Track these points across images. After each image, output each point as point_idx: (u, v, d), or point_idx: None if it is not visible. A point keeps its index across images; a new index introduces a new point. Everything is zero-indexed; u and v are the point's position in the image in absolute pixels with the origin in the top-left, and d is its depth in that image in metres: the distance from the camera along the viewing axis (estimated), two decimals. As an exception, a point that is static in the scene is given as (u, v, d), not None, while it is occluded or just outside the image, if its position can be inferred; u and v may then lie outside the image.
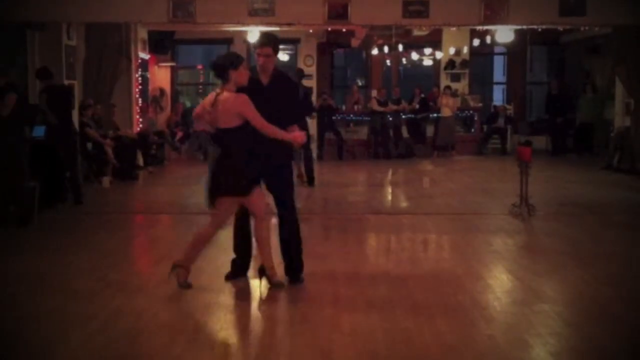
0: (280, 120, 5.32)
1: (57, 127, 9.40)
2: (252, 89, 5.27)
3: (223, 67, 5.27)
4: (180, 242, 7.45)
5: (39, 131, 9.24)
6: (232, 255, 5.80)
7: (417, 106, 16.82)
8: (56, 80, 10.18)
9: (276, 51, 5.48)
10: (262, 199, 5.48)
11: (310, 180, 11.09)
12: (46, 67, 9.99)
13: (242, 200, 5.38)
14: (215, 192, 5.36)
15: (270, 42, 5.45)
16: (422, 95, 17.10)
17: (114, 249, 7.11)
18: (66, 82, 11.45)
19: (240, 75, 5.26)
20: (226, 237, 7.20)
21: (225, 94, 5.26)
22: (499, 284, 5.79)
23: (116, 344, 4.32)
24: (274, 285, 5.45)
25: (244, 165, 5.26)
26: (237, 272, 5.74)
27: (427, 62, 19.06)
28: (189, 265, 5.48)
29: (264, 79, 5.46)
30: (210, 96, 5.38)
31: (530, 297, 5.35)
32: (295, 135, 5.38)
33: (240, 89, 5.27)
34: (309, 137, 11.19)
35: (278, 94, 5.42)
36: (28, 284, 5.71)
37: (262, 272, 5.50)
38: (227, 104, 5.21)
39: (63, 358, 4.19)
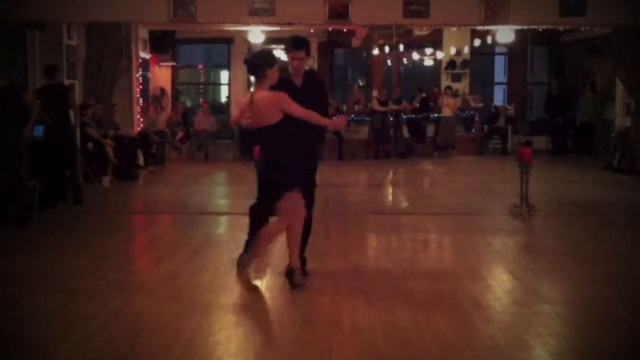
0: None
1: (53, 126, 9.40)
2: (289, 91, 5.39)
3: (261, 66, 5.38)
4: (180, 241, 7.48)
5: (39, 130, 9.23)
6: (234, 255, 5.84)
7: (417, 105, 16.81)
8: (57, 79, 10.16)
9: (308, 53, 5.67)
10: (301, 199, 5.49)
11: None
12: (53, 65, 9.94)
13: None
14: (282, 188, 5.40)
15: (303, 45, 5.62)
16: (423, 95, 17.09)
17: (114, 248, 7.10)
18: (67, 82, 11.45)
19: (275, 74, 5.41)
20: (226, 236, 7.23)
21: (262, 93, 5.36)
22: (499, 284, 5.78)
23: (116, 343, 4.31)
24: (296, 286, 5.43)
25: (292, 157, 5.37)
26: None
27: (428, 62, 19.07)
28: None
29: (297, 81, 5.62)
30: (246, 98, 5.48)
31: (530, 297, 5.35)
32: (335, 122, 5.80)
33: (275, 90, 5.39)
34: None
35: (311, 93, 5.57)
36: (28, 283, 5.71)
37: (290, 274, 5.46)
38: (268, 102, 5.31)
39: (63, 358, 4.18)
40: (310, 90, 5.61)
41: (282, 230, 5.52)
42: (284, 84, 5.48)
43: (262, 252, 5.58)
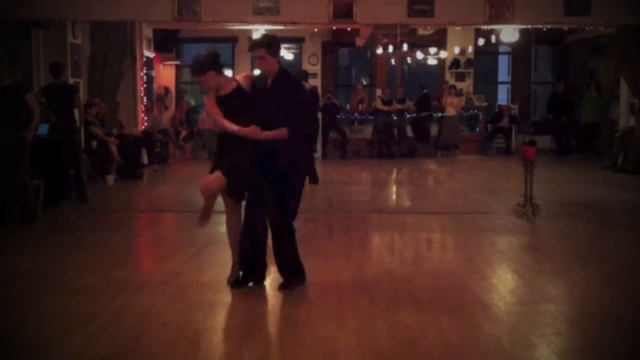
0: (280, 122, 5.14)
1: (58, 125, 9.42)
2: (257, 92, 5.25)
3: None
4: (183, 240, 7.48)
5: (43, 129, 9.25)
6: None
7: (414, 101, 16.79)
8: (62, 78, 10.16)
9: (271, 52, 5.20)
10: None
11: (315, 179, 11.05)
12: (58, 64, 9.93)
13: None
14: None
15: (259, 44, 5.24)
16: (425, 91, 17.03)
17: (118, 247, 7.11)
18: (72, 80, 11.47)
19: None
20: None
21: None
22: (503, 283, 5.77)
23: (119, 342, 4.31)
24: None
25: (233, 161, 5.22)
26: (248, 276, 5.43)
27: (432, 61, 19.05)
28: (234, 260, 5.51)
29: (269, 82, 5.30)
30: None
31: (534, 297, 5.34)
32: (245, 130, 5.07)
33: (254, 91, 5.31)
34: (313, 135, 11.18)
35: (279, 96, 5.22)
36: (30, 282, 5.71)
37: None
38: None
39: (65, 357, 4.17)
40: (278, 92, 5.23)
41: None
42: (258, 84, 5.30)
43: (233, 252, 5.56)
